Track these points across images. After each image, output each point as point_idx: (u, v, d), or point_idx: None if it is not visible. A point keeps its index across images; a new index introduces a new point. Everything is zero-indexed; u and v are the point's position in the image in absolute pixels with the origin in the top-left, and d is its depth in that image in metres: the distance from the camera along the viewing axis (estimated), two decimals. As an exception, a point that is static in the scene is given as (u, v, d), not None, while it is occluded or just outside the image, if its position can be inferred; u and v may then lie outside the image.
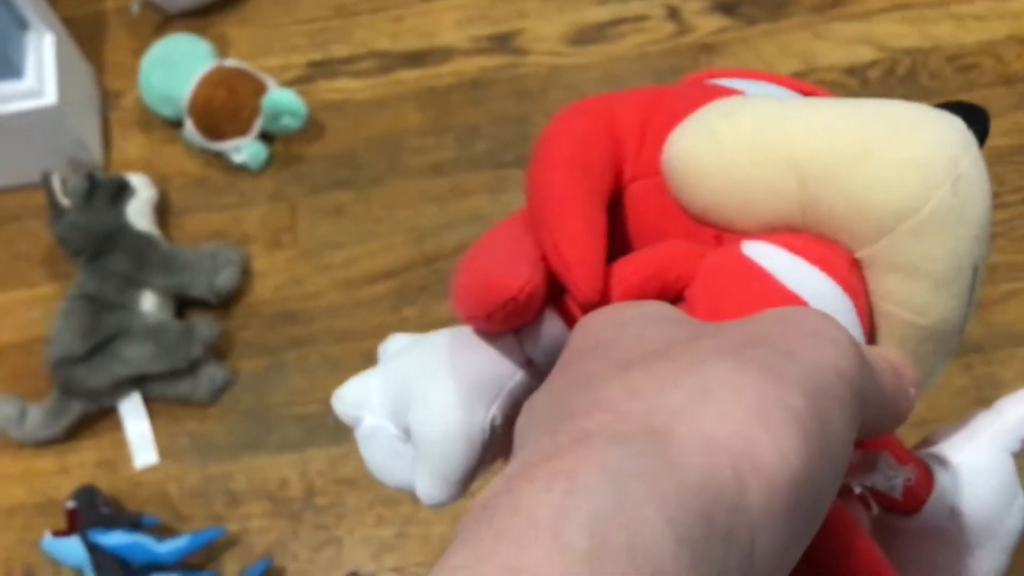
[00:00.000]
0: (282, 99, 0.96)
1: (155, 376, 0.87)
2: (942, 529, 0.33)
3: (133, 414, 0.88)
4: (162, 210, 0.98)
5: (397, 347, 0.35)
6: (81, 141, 0.95)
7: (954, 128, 0.29)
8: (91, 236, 0.90)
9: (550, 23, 1.06)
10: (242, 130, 0.97)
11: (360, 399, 0.33)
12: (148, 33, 1.07)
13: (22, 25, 0.90)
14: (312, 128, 1.01)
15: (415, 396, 0.32)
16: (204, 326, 0.88)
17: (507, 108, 1.02)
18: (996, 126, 0.45)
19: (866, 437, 0.26)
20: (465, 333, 0.32)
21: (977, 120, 0.31)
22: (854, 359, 0.25)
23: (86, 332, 0.86)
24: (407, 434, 0.32)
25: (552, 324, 0.31)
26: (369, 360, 0.93)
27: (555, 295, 0.31)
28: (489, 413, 0.31)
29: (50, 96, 0.90)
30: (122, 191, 0.92)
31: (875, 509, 0.33)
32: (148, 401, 0.89)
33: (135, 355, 0.86)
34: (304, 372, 0.91)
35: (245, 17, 1.08)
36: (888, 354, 0.28)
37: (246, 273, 0.95)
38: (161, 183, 0.99)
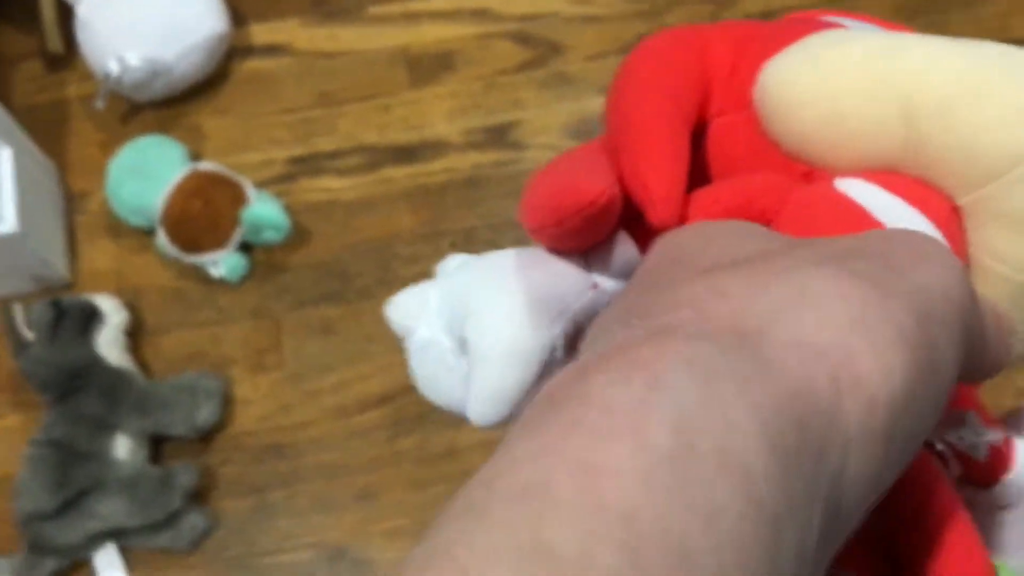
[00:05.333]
0: (263, 212, 0.89)
1: (132, 528, 0.81)
2: (1014, 507, 0.32)
3: (109, 566, 0.82)
4: (135, 329, 0.90)
5: (456, 264, 0.33)
6: (45, 259, 0.87)
7: None
8: (59, 372, 0.82)
9: (549, 113, 0.99)
10: (220, 242, 0.90)
11: (415, 309, 0.32)
12: (114, 124, 0.99)
13: (-23, 142, 0.82)
14: (296, 233, 0.93)
15: (475, 307, 0.30)
16: (183, 473, 0.81)
17: (505, 209, 0.95)
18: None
19: (962, 380, 0.24)
20: (532, 251, 0.30)
21: None
22: (965, 288, 0.23)
23: (56, 485, 0.79)
24: (462, 347, 0.30)
25: (624, 247, 0.30)
26: (363, 498, 0.86)
27: (629, 222, 0.29)
28: (551, 331, 0.29)
29: (10, 222, 0.82)
30: (91, 319, 0.85)
31: (955, 471, 0.31)
32: (125, 551, 0.83)
33: (110, 510, 0.79)
34: (293, 514, 0.85)
35: (221, 106, 1.00)
36: (989, 299, 0.27)
37: (228, 401, 0.88)
38: (133, 297, 0.92)
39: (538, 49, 1.02)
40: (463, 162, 0.97)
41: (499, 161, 0.97)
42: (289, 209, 0.93)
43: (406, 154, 0.98)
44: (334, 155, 0.98)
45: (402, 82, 1.01)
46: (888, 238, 0.24)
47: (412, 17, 1.03)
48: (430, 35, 1.02)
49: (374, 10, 1.04)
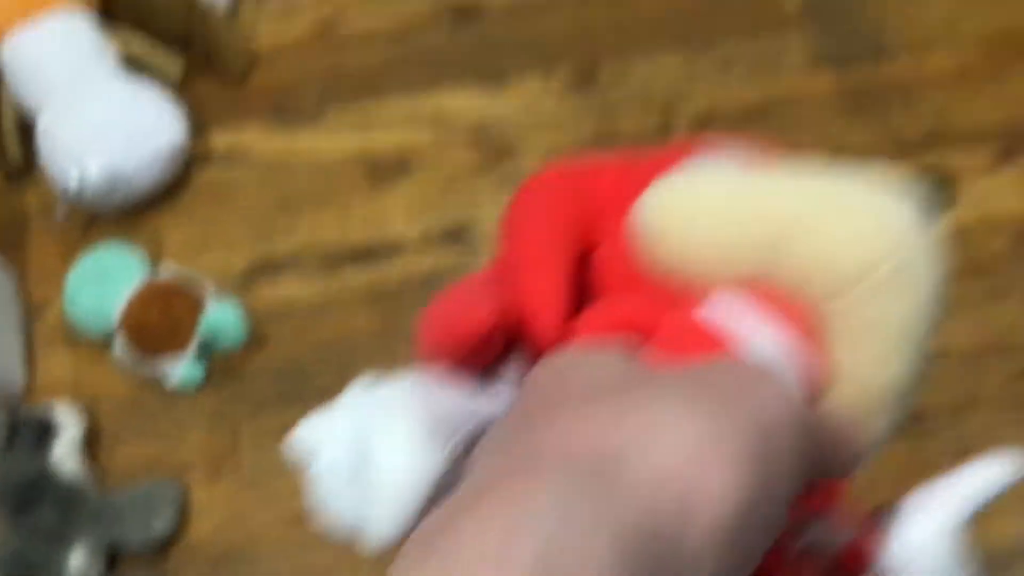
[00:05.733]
0: (220, 320, 0.89)
1: (85, 644, 0.79)
2: None
3: None
4: (92, 439, 0.90)
5: (360, 388, 0.35)
6: (1, 369, 0.87)
7: (908, 196, 0.30)
8: (14, 486, 0.82)
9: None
10: (178, 350, 0.90)
11: (315, 435, 0.34)
12: (75, 235, 1.00)
13: (-67, 256, 0.82)
14: (254, 337, 0.94)
15: (373, 430, 0.32)
16: (139, 587, 0.80)
17: (462, 310, 0.96)
18: None
19: (818, 478, 0.27)
20: (430, 375, 0.33)
21: (942, 188, 0.31)
22: (797, 409, 0.26)
23: (7, 602, 0.78)
24: (361, 469, 0.32)
25: (517, 363, 0.32)
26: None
27: (519, 346, 0.32)
28: (448, 450, 0.31)
29: (-36, 335, 0.82)
30: (47, 431, 0.85)
31: (822, 565, 0.33)
32: (78, 668, 0.81)
33: (62, 627, 0.78)
34: (250, 626, 0.84)
35: (180, 212, 1.01)
36: (838, 410, 0.30)
37: (184, 509, 0.87)
38: (90, 406, 0.91)
39: (493, 151, 1.04)
40: (421, 263, 0.99)
41: (457, 261, 0.98)
42: (248, 312, 0.94)
43: (364, 256, 0.99)
44: (292, 258, 0.99)
45: (360, 186, 1.02)
46: (730, 369, 0.27)
47: (369, 123, 1.05)
48: (387, 140, 1.04)
49: (333, 116, 1.06)
